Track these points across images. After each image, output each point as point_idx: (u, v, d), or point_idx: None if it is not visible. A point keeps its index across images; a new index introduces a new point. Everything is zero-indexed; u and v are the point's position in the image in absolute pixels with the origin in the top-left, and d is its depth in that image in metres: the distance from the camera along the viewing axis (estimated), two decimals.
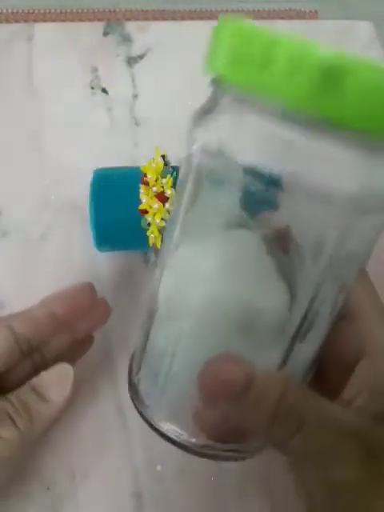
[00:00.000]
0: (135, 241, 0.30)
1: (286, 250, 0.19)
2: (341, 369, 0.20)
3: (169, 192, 0.28)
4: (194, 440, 0.21)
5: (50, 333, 0.25)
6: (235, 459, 0.22)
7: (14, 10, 0.39)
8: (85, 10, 0.40)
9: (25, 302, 0.31)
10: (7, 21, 0.39)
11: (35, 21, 0.39)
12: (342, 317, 0.20)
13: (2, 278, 0.32)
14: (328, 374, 0.21)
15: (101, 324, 0.27)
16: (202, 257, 0.19)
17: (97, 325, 0.27)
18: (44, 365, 0.25)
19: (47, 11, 0.39)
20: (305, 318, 0.18)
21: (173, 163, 0.30)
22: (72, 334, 0.26)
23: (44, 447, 0.28)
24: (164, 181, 0.29)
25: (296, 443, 0.18)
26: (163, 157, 0.30)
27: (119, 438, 0.29)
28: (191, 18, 0.41)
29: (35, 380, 0.24)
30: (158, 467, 0.28)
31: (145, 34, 0.40)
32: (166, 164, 0.30)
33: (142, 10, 0.40)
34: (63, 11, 0.40)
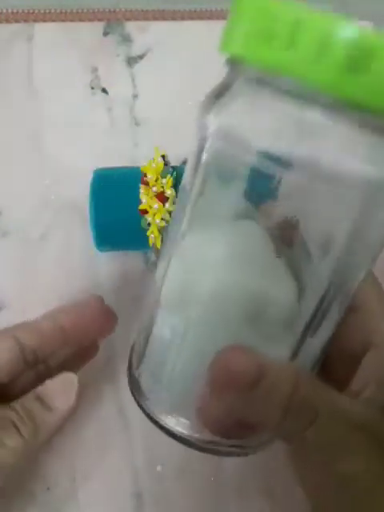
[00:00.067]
0: (135, 241, 0.30)
1: (289, 243, 0.19)
2: (346, 360, 0.20)
3: (169, 192, 0.28)
4: (196, 435, 0.20)
5: (55, 345, 0.25)
6: (238, 455, 0.21)
7: (14, 10, 0.39)
8: (85, 10, 0.40)
9: (25, 302, 0.31)
10: (7, 21, 0.39)
11: (35, 21, 0.39)
12: (349, 309, 0.19)
13: (2, 278, 0.32)
14: (333, 365, 0.21)
15: (107, 334, 0.27)
16: (211, 246, 0.18)
17: (103, 335, 0.27)
18: (48, 373, 0.25)
19: (47, 11, 0.39)
20: (316, 312, 0.18)
21: (173, 163, 0.30)
22: (78, 344, 0.26)
23: (45, 448, 0.28)
24: (164, 181, 0.29)
25: (308, 436, 0.17)
26: (163, 157, 0.30)
27: (120, 438, 0.29)
28: (191, 18, 0.40)
29: (40, 388, 0.24)
30: (158, 467, 0.28)
31: (145, 34, 0.39)
32: (166, 164, 0.30)
33: (142, 10, 0.40)
34: (63, 11, 0.39)
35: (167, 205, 0.28)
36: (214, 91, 0.17)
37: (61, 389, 0.24)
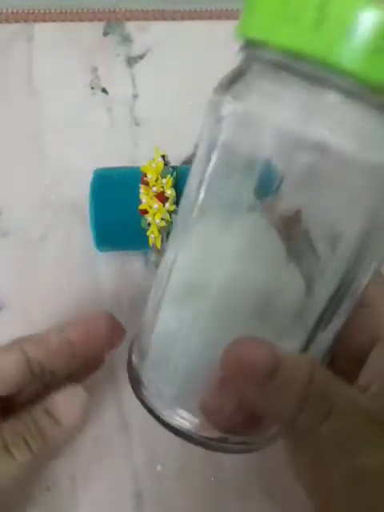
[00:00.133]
0: (135, 241, 0.30)
1: (290, 237, 0.18)
2: (352, 356, 0.20)
3: (169, 192, 0.28)
4: (199, 429, 0.20)
5: (63, 358, 0.25)
6: (242, 451, 0.21)
7: (14, 10, 0.39)
8: (85, 10, 0.40)
9: (25, 302, 0.31)
10: (7, 21, 0.39)
11: (35, 21, 0.39)
12: (356, 304, 0.19)
13: (2, 278, 0.32)
14: (339, 361, 0.20)
15: (114, 348, 0.27)
16: (223, 237, 0.18)
17: (110, 349, 0.27)
18: (54, 383, 0.25)
19: (47, 11, 0.39)
20: (328, 306, 0.18)
21: (173, 163, 0.30)
22: (85, 358, 0.26)
23: None
24: (164, 181, 0.29)
25: (325, 429, 0.17)
26: (163, 157, 0.30)
27: (119, 438, 0.29)
28: (191, 18, 0.40)
29: (50, 403, 0.24)
30: (158, 467, 0.28)
31: (145, 34, 0.40)
32: (166, 164, 0.30)
33: (142, 10, 0.40)
34: (63, 11, 0.39)
35: (167, 205, 0.28)
36: (227, 77, 0.16)
37: (69, 404, 0.24)
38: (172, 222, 0.28)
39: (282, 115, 0.15)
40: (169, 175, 0.29)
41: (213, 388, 0.18)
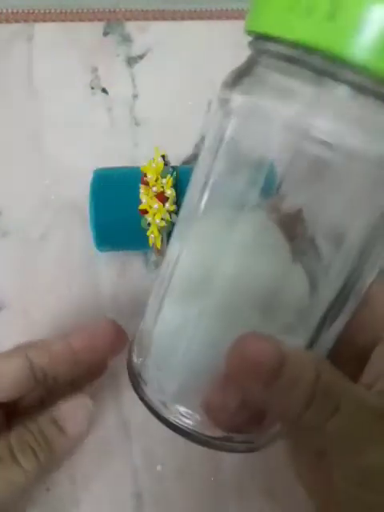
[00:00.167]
0: (135, 241, 0.30)
1: (291, 237, 0.18)
2: (355, 355, 0.20)
3: (169, 192, 0.28)
4: (202, 428, 0.19)
5: (66, 365, 0.25)
6: (245, 450, 0.20)
7: (14, 10, 0.39)
8: (85, 10, 0.40)
9: (25, 302, 0.31)
10: (7, 21, 0.39)
11: (35, 21, 0.39)
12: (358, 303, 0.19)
13: (2, 278, 0.32)
14: (342, 360, 0.20)
15: (117, 355, 0.27)
16: (228, 232, 0.18)
17: (113, 356, 0.27)
18: (57, 389, 0.25)
19: (47, 11, 0.39)
20: (333, 304, 0.17)
21: (173, 163, 0.30)
22: (87, 365, 0.26)
23: None
24: (164, 181, 0.29)
25: (331, 426, 0.16)
26: (163, 157, 0.30)
27: (119, 438, 0.29)
28: (191, 18, 0.40)
29: (56, 412, 0.24)
30: (158, 467, 0.28)
31: (145, 34, 0.40)
32: (166, 164, 0.30)
33: (142, 10, 0.40)
34: (63, 11, 0.39)
35: (167, 205, 0.28)
36: (235, 71, 0.16)
37: (75, 413, 0.25)
38: (172, 222, 0.28)
39: (292, 109, 0.15)
40: (169, 175, 0.29)
41: (216, 385, 0.18)
